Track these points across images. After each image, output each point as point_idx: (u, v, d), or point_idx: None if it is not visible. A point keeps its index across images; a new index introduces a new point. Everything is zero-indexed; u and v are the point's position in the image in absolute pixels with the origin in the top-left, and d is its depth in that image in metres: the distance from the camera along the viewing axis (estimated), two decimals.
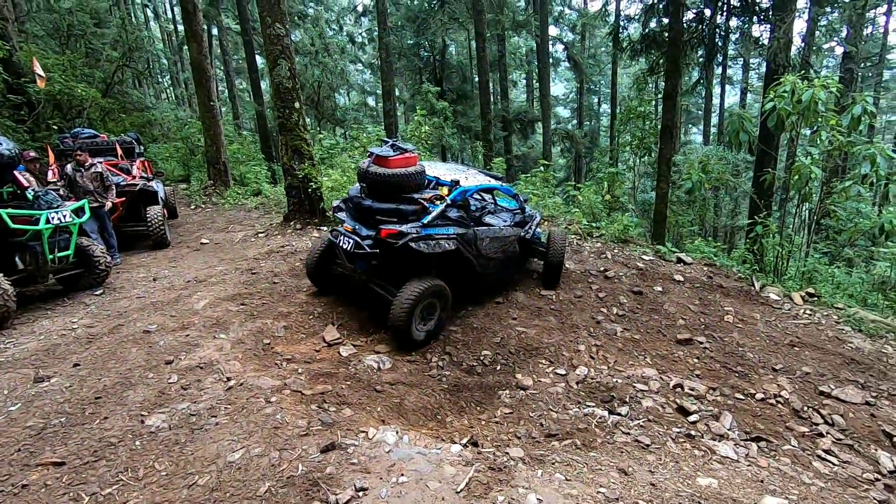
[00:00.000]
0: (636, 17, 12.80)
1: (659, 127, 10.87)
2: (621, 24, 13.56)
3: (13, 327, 4.79)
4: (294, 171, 7.99)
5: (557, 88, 34.34)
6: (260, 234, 8.17)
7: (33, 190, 5.48)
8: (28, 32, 15.52)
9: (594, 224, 8.10)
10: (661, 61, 11.22)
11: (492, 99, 17.07)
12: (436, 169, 5.67)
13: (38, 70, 8.93)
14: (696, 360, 4.73)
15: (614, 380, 4.25)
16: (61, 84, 12.39)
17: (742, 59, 20.98)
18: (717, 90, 24.47)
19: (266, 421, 3.05)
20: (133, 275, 6.44)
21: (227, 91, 26.34)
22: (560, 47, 27.55)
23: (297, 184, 8.08)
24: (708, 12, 10.89)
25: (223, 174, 12.37)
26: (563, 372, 4.46)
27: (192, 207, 11.27)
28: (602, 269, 6.35)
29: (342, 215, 4.95)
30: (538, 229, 6.28)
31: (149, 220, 7.63)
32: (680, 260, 6.81)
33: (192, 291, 5.59)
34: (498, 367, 4.52)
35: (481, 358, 4.58)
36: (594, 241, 7.48)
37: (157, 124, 17.86)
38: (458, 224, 4.70)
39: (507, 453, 3.01)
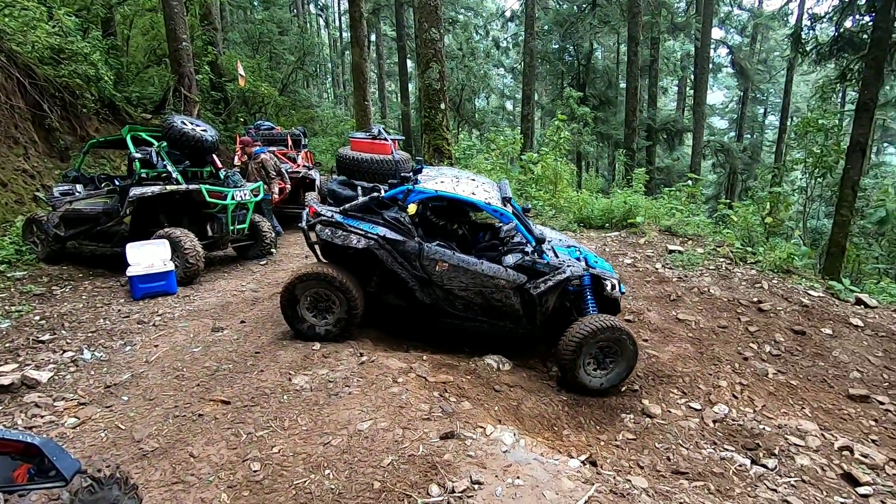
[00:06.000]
0: (827, 16, 11.02)
1: (845, 143, 9.24)
2: (806, 23, 11.79)
3: (200, 284, 5.76)
4: None
5: (715, 97, 31.16)
6: None
7: (224, 171, 6.53)
8: (229, 40, 18.50)
9: (749, 249, 7.18)
10: (857, 67, 9.51)
11: (638, 106, 16.10)
12: (437, 173, 4.67)
13: (241, 71, 10.62)
14: (872, 423, 3.96)
15: (761, 426, 3.74)
16: (249, 84, 14.55)
17: None
18: None
19: (392, 399, 3.25)
20: (290, 251, 7.33)
21: (377, 92, 28.58)
22: (723, 51, 24.98)
23: None
24: None
25: None
26: (699, 406, 4.05)
27: None
28: (755, 299, 5.63)
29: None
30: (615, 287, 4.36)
31: (306, 204, 8.61)
32: (860, 301, 5.74)
33: None
34: (622, 389, 4.27)
35: None
36: (747, 268, 6.64)
37: (318, 120, 20.05)
38: (394, 228, 4.08)
39: (630, 481, 2.82)
